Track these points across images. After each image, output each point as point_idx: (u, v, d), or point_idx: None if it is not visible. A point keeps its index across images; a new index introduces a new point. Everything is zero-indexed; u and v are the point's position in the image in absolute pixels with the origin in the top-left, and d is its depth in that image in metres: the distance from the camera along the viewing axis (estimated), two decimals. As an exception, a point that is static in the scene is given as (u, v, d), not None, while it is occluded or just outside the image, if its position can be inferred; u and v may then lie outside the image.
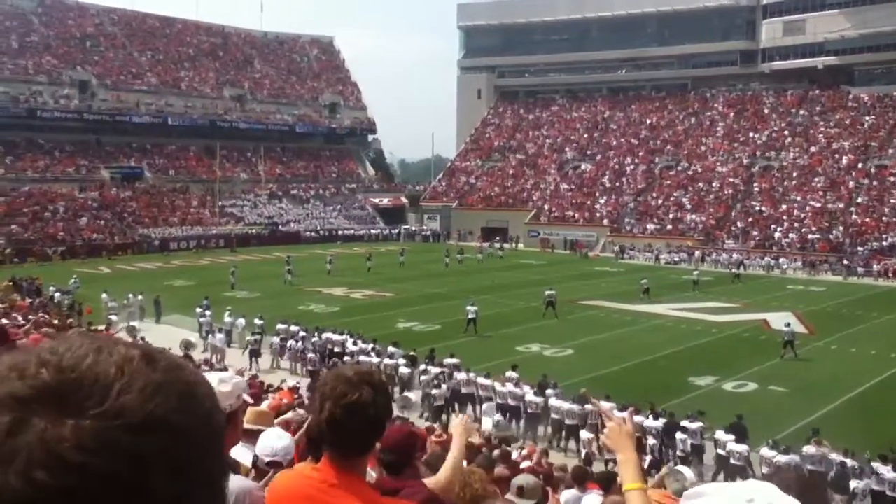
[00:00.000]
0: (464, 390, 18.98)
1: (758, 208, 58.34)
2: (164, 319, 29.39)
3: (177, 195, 65.11)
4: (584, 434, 15.92)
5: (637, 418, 15.91)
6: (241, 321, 26.29)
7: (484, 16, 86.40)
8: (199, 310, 27.30)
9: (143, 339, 22.13)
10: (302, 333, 23.96)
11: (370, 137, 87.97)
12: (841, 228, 52.48)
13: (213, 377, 2.95)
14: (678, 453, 15.44)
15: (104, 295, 30.08)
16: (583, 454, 15.25)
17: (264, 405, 7.88)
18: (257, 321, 25.41)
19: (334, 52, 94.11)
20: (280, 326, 24.75)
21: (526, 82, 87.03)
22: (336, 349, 22.78)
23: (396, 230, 69.99)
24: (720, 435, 15.11)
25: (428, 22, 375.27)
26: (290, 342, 23.60)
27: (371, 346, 22.36)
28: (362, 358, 21.31)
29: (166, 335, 24.70)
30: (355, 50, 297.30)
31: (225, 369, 15.64)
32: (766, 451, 14.29)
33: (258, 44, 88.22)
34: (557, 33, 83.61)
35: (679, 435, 15.58)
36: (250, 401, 6.32)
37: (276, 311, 28.11)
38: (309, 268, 44.26)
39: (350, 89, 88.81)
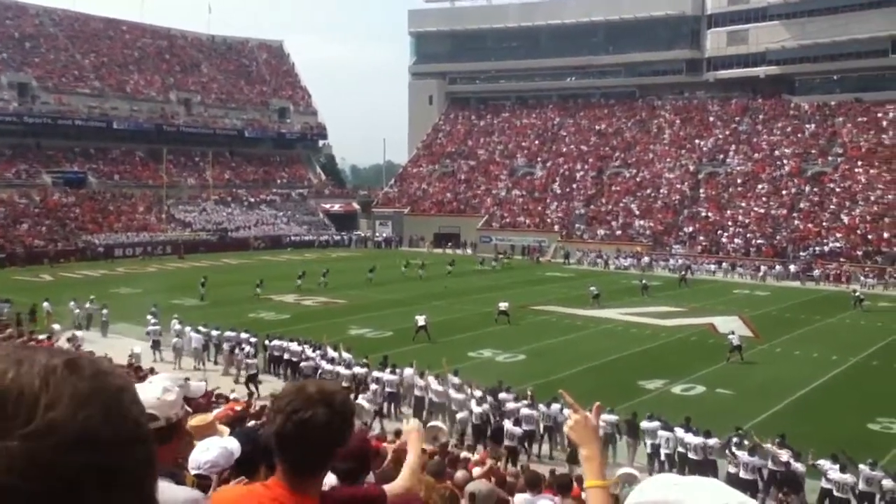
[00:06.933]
0: (417, 393, 18.96)
1: (704, 214, 59.55)
2: (110, 328, 28.62)
3: (122, 201, 63.64)
4: (508, 425, 16.30)
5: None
6: (188, 329, 25.76)
7: (435, 22, 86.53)
8: (149, 317, 26.67)
9: (78, 347, 21.54)
10: (252, 339, 23.59)
11: (321, 142, 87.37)
12: (784, 233, 53.88)
13: (156, 385, 2.81)
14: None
15: (46, 303, 29.19)
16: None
17: (209, 415, 7.65)
18: (202, 328, 25.04)
19: (284, 57, 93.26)
20: (229, 334, 24.36)
21: (477, 89, 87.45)
22: (286, 356, 22.52)
23: (348, 236, 69.60)
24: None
25: (379, 28, 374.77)
26: (238, 349, 23.17)
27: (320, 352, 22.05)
28: (325, 366, 21.07)
29: (112, 345, 24.09)
30: (305, 55, 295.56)
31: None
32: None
33: (206, 47, 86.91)
34: (508, 40, 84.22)
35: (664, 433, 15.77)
36: (189, 409, 6.11)
37: (224, 319, 27.60)
38: (262, 274, 43.55)
39: (300, 94, 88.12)
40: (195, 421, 4.17)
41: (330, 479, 3.11)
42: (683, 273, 46.58)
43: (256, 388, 20.35)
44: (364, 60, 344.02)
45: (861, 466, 13.48)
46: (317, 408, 1.94)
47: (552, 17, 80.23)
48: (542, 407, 17.10)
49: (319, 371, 20.80)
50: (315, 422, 1.92)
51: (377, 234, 70.82)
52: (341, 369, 20.48)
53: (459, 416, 17.77)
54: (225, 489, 2.36)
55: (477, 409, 17.15)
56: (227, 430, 5.18)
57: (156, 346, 25.04)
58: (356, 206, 77.57)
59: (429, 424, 17.79)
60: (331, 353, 21.88)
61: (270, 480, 2.06)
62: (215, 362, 24.55)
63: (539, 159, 75.08)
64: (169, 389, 2.83)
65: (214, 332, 25.06)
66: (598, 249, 56.86)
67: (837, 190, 56.93)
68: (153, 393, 2.55)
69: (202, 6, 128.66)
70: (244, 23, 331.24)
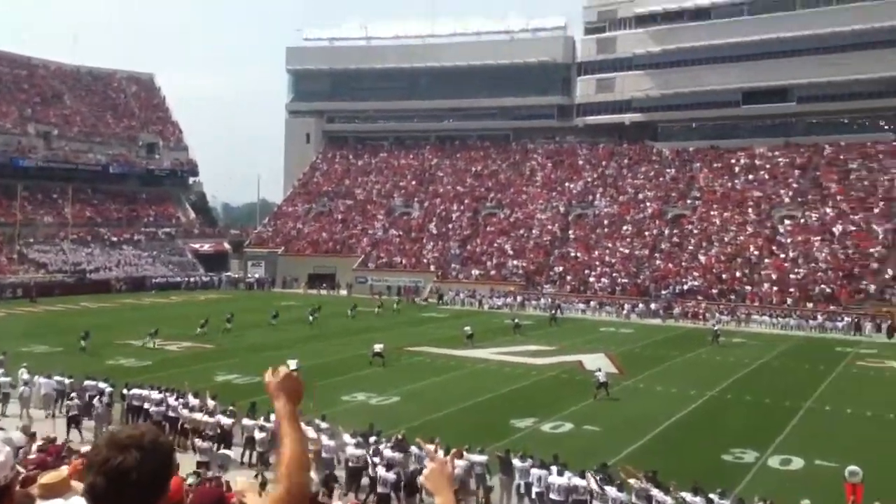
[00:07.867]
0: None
1: (573, 254, 61.63)
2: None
3: (-31, 239, 59.14)
4: (381, 471, 15.90)
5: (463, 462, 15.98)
6: (38, 378, 23.94)
7: (314, 60, 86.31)
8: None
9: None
10: (108, 390, 22.16)
11: (191, 180, 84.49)
12: (646, 273, 56.46)
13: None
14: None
15: None
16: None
17: (63, 470, 7.04)
18: (58, 378, 23.32)
19: (154, 90, 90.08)
20: (88, 383, 22.80)
21: (355, 128, 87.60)
22: (146, 406, 21.25)
23: (218, 277, 67.29)
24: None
25: (256, 64, 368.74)
26: (97, 400, 21.66)
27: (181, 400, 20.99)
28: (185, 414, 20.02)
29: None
30: (177, 89, 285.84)
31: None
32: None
33: (69, 78, 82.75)
34: (387, 81, 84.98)
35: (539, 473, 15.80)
36: (22, 470, 5.56)
37: (81, 368, 25.87)
38: (120, 318, 41.45)
39: (171, 129, 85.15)
40: (47, 479, 3.77)
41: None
42: (553, 312, 47.84)
43: (80, 432, 19.30)
44: (239, 96, 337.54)
45: (711, 496, 14.11)
46: (126, 452, 1.83)
47: (430, 59, 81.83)
48: (413, 449, 16.89)
49: (180, 421, 19.81)
50: (125, 466, 1.81)
51: (249, 275, 68.97)
52: (205, 417, 19.53)
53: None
54: None
55: (354, 452, 16.79)
56: (81, 486, 4.72)
57: (5, 398, 23.06)
58: (227, 245, 75.37)
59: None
60: (192, 400, 20.84)
61: None
62: (67, 413, 22.84)
63: (416, 199, 75.72)
64: (-1, 450, 2.55)
65: (68, 381, 23.41)
66: (472, 289, 57.63)
67: (695, 231, 60.39)
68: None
69: (67, 35, 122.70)
70: (113, 55, 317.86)
